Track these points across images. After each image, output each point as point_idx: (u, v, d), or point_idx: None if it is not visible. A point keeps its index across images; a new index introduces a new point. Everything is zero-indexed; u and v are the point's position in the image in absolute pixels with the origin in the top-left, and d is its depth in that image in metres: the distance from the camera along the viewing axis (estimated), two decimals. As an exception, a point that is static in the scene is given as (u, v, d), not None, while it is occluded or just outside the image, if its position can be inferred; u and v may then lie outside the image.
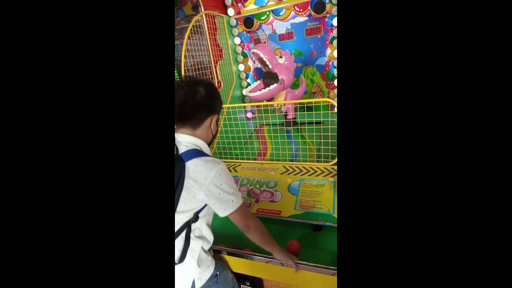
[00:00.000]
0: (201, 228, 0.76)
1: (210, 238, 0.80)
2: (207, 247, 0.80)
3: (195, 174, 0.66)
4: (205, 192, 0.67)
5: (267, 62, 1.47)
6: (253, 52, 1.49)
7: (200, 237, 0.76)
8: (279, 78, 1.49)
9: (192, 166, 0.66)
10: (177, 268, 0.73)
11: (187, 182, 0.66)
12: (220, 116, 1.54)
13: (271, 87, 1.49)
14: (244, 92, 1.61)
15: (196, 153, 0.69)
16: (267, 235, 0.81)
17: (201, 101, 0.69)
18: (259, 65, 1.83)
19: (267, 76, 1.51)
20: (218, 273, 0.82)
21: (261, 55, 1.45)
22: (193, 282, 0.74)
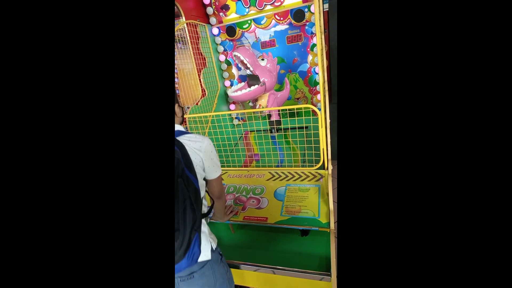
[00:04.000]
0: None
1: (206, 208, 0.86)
2: (206, 220, 0.88)
3: (192, 146, 0.73)
4: (203, 157, 0.76)
5: (248, 65, 1.48)
6: (234, 55, 1.51)
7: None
8: (261, 80, 1.51)
9: (186, 141, 0.73)
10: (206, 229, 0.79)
11: (195, 154, 0.73)
12: (205, 125, 1.54)
13: (252, 88, 1.51)
14: (228, 92, 1.62)
15: (181, 132, 0.78)
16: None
17: None
18: (245, 72, 1.85)
19: (251, 78, 1.53)
20: (221, 253, 0.84)
21: (242, 57, 1.46)
22: (211, 242, 0.78)
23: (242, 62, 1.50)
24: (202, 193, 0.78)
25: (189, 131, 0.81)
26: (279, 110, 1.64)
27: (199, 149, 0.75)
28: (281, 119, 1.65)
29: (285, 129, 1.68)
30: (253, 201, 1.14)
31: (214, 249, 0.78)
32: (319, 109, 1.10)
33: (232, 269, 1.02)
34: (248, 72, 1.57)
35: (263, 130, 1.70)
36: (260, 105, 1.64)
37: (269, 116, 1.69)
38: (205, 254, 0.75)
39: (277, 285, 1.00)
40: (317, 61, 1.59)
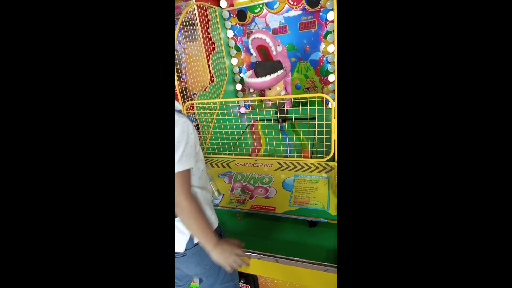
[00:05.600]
0: (195, 175, 0.72)
1: (206, 185, 0.76)
2: (207, 199, 0.76)
3: None
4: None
5: (272, 48, 1.39)
6: (255, 38, 1.38)
7: (197, 187, 0.72)
8: (284, 66, 1.42)
9: None
10: (178, 222, 0.70)
11: None
12: (213, 111, 1.51)
13: (278, 72, 1.39)
14: (245, 78, 1.47)
15: None
16: (202, 226, 0.67)
17: None
18: (254, 59, 1.81)
19: (260, 66, 1.44)
20: (222, 234, 0.82)
21: (268, 40, 1.36)
22: (191, 235, 0.72)
23: (261, 46, 1.38)
24: None
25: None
26: (291, 99, 1.59)
27: None
28: (293, 111, 1.61)
29: (294, 119, 1.65)
30: (261, 190, 1.13)
31: (195, 243, 0.72)
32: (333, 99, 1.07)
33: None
34: (256, 59, 1.49)
35: (273, 120, 1.67)
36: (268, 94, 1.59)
37: (282, 105, 1.63)
38: (177, 247, 0.72)
39: (282, 274, 1.01)
40: (330, 50, 1.54)
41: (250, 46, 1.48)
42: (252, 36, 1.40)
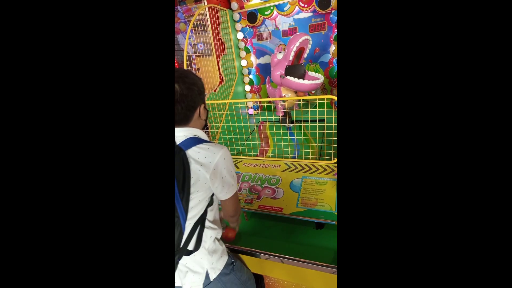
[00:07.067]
0: (214, 211, 0.78)
1: (220, 224, 0.83)
2: (219, 235, 0.81)
3: (199, 159, 0.67)
4: (210, 175, 0.68)
5: (307, 51, 1.42)
6: (305, 39, 1.36)
7: (213, 223, 0.77)
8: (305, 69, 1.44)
9: (194, 153, 0.67)
10: (189, 259, 0.74)
11: (194, 168, 0.66)
12: (223, 112, 1.53)
13: (319, 80, 1.39)
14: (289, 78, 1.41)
15: (195, 140, 0.69)
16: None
17: (180, 102, 0.66)
18: (265, 60, 1.81)
19: (292, 72, 1.41)
20: (233, 260, 0.85)
21: (310, 41, 1.39)
22: (207, 273, 0.75)
23: (301, 48, 1.40)
24: (189, 225, 0.70)
25: (207, 140, 0.72)
26: (299, 101, 1.58)
27: (207, 165, 0.67)
28: (301, 113, 1.60)
29: (301, 121, 1.65)
30: (268, 191, 1.14)
31: (212, 279, 0.76)
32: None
33: (243, 256, 1.03)
34: (287, 64, 1.41)
35: (282, 120, 1.67)
36: (284, 95, 1.58)
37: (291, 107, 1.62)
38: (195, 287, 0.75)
39: (289, 275, 1.01)
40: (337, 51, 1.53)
41: (294, 48, 1.36)
42: (304, 37, 1.34)
